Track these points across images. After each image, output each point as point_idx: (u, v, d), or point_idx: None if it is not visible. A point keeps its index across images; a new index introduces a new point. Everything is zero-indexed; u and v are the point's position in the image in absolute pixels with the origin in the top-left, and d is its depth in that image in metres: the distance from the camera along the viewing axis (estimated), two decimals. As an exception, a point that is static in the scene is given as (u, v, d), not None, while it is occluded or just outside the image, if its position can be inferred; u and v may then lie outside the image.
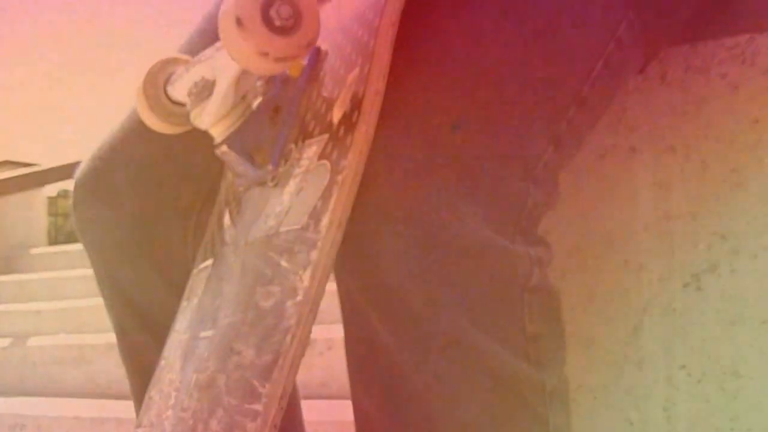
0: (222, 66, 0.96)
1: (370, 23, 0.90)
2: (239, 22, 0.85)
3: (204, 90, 0.98)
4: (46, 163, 5.69)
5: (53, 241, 9.82)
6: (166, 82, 1.08)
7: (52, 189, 9.14)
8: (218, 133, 0.97)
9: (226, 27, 0.86)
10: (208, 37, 1.25)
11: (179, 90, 1.05)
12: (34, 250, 7.10)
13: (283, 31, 0.86)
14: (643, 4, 1.04)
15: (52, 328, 4.77)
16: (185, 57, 1.10)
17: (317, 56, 0.99)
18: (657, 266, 1.24)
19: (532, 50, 0.94)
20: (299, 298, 0.83)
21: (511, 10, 0.95)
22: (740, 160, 1.20)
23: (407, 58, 0.90)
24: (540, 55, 0.95)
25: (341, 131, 0.87)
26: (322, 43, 0.98)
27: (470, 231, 0.88)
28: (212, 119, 0.96)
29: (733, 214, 1.20)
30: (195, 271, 1.11)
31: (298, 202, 0.89)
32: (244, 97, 0.97)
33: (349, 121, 0.87)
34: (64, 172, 4.85)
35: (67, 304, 4.98)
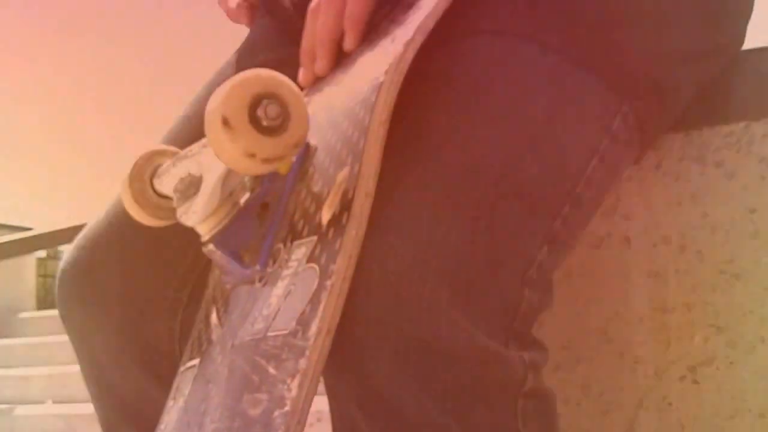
0: (208, 163, 0.94)
1: (360, 121, 0.88)
2: (226, 122, 0.83)
3: (190, 187, 0.96)
4: (39, 227, 5.67)
5: (42, 302, 9.77)
6: (153, 174, 1.06)
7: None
8: (205, 231, 0.95)
9: (213, 127, 0.84)
10: (192, 124, 1.24)
11: (165, 184, 1.03)
12: (22, 315, 7.06)
13: (270, 131, 0.84)
14: (638, 97, 1.02)
15: (39, 395, 4.73)
16: (172, 149, 1.08)
17: (306, 152, 0.97)
18: (652, 359, 1.22)
19: (525, 150, 0.93)
20: (287, 408, 0.80)
21: (505, 110, 0.93)
22: (737, 250, 1.18)
23: (398, 159, 0.89)
24: (533, 154, 0.93)
25: (330, 233, 0.85)
26: (311, 138, 0.96)
27: (463, 337, 0.86)
28: (199, 217, 0.94)
29: (730, 305, 1.18)
30: (182, 369, 1.08)
31: (286, 306, 0.87)
32: (231, 194, 0.95)
33: (338, 223, 0.85)
34: (56, 237, 4.84)
35: (56, 370, 4.94)
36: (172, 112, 1.32)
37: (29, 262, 7.92)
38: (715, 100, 1.20)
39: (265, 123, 0.84)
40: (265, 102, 0.85)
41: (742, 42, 1.21)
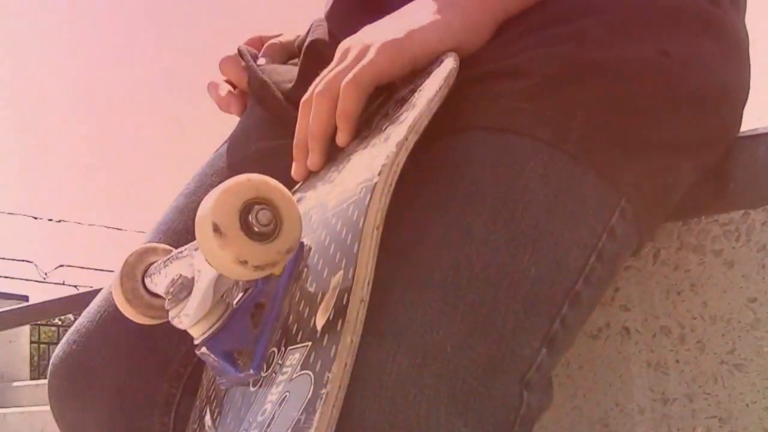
0: (200, 265, 0.92)
1: (354, 224, 0.87)
2: (216, 228, 0.81)
3: (182, 290, 0.94)
4: (36, 296, 5.66)
5: (36, 367, 9.74)
6: (144, 273, 1.04)
7: (35, 317, 9.10)
8: (197, 334, 0.93)
9: (203, 233, 0.82)
10: (184, 216, 1.23)
11: (157, 283, 1.01)
12: (16, 384, 7.02)
13: (262, 237, 0.83)
14: (636, 190, 1.01)
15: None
16: (163, 246, 1.06)
17: (300, 252, 0.95)
18: (654, 451, 1.20)
19: (523, 251, 0.91)
20: None
21: (501, 211, 0.92)
22: (738, 340, 1.16)
23: (393, 262, 0.87)
24: (531, 255, 0.92)
25: (325, 340, 0.84)
26: (304, 237, 0.95)
27: None
28: (191, 320, 0.93)
29: (732, 396, 1.16)
30: (176, 471, 1.06)
31: (281, 413, 0.85)
32: (223, 296, 0.94)
33: (333, 329, 0.83)
34: (53, 308, 4.82)
35: (49, 441, 4.90)
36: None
37: (23, 329, 7.90)
38: (713, 188, 1.18)
39: (256, 229, 0.83)
40: (256, 208, 0.83)
41: (739, 126, 1.20)
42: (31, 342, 9.25)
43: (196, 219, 0.83)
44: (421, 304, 0.86)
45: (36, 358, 10.92)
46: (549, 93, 0.99)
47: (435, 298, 0.87)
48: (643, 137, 1.02)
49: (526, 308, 0.91)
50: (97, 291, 1.30)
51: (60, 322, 12.35)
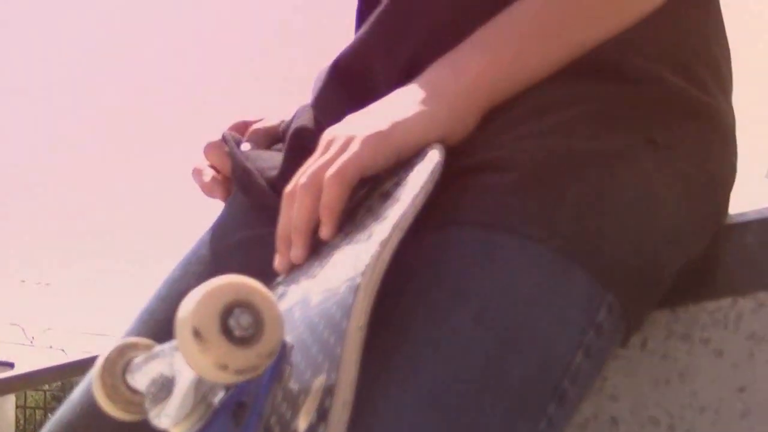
0: (180, 366, 0.91)
1: (337, 324, 0.86)
2: (196, 333, 0.80)
3: (162, 390, 0.93)
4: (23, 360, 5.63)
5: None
6: (125, 369, 1.03)
7: (21, 381, 9.08)
8: (178, 434, 0.92)
9: (183, 337, 0.81)
10: (167, 304, 1.21)
11: (138, 380, 1.00)
12: (2, 451, 6.97)
13: (243, 341, 0.82)
14: (623, 285, 1.00)
15: None
16: (144, 341, 1.05)
17: (283, 350, 0.94)
18: None
19: (508, 351, 0.90)
20: None
21: (486, 312, 0.91)
22: (727, 430, 1.15)
23: (377, 366, 0.86)
24: (517, 355, 0.91)
25: None
26: (287, 335, 0.94)
27: None
28: (172, 421, 0.91)
29: (723, 486, 1.15)
30: None
31: None
32: (204, 397, 0.92)
33: None
34: (39, 377, 4.79)
35: None
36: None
37: (8, 395, 7.86)
38: (701, 276, 1.17)
39: (237, 333, 0.81)
40: (237, 311, 0.82)
41: (726, 213, 1.19)
42: (17, 406, 9.21)
43: (176, 321, 0.82)
44: (405, 407, 0.85)
45: (22, 422, 10.86)
46: (536, 187, 0.98)
47: (419, 401, 0.86)
48: (630, 231, 1.01)
49: (511, 409, 0.90)
50: (84, 360, 1.29)
51: (47, 387, 12.32)
